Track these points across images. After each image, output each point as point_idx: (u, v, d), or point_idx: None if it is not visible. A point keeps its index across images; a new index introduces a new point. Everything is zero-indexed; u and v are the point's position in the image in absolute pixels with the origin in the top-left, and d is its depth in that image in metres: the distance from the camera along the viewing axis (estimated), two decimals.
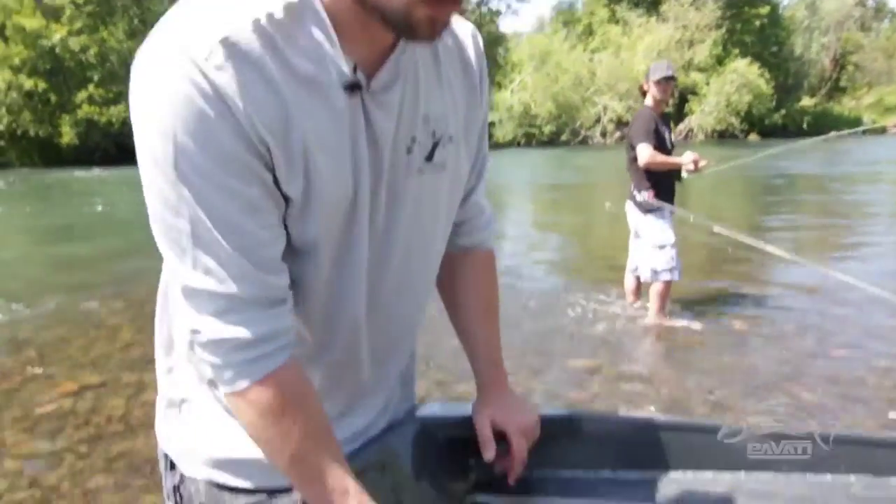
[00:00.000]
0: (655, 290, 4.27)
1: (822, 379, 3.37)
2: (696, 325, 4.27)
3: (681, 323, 4.31)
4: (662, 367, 3.71)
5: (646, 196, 4.15)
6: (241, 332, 0.67)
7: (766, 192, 12.54)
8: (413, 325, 0.95)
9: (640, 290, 4.58)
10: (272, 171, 0.66)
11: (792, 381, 3.35)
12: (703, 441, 1.09)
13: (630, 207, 4.35)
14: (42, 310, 5.03)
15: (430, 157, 0.78)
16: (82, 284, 5.82)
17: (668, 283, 4.24)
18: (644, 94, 4.28)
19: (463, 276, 1.02)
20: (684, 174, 4.22)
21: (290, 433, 0.71)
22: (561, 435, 1.13)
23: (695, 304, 4.67)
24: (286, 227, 0.70)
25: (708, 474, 1.08)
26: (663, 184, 4.18)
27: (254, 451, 0.83)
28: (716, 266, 5.98)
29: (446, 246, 0.94)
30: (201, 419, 0.85)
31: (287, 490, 0.82)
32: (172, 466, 0.88)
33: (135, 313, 4.81)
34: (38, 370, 3.76)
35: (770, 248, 2.94)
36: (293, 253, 0.73)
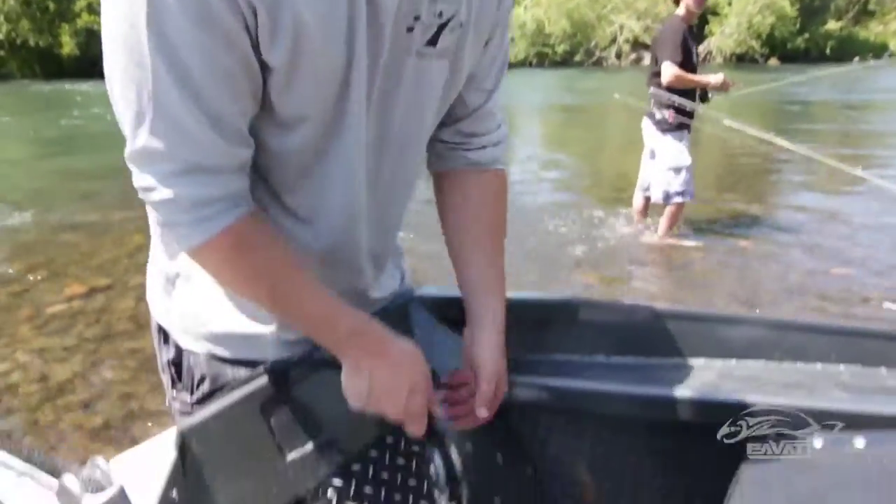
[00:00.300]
0: (667, 210, 4.24)
1: (819, 297, 3.39)
2: (702, 244, 4.26)
3: (688, 243, 4.30)
4: (665, 284, 3.74)
5: (666, 115, 4.04)
6: (196, 192, 0.65)
7: (785, 119, 12.23)
8: (401, 219, 0.93)
9: (648, 209, 4.55)
10: (255, 35, 0.63)
11: (792, 299, 3.37)
12: (695, 329, 1.10)
13: (647, 125, 4.24)
14: (48, 217, 5.06)
15: (433, 41, 0.74)
16: (87, 193, 5.84)
17: (680, 205, 4.21)
18: (678, 2, 4.09)
19: (471, 197, 0.93)
20: (710, 94, 4.09)
21: (257, 278, 0.71)
22: (556, 320, 1.14)
23: (702, 224, 4.65)
24: (271, 99, 0.68)
25: (699, 361, 1.10)
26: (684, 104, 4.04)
27: (251, 327, 0.84)
28: (726, 186, 5.92)
29: (454, 162, 0.91)
30: (196, 294, 0.85)
31: (289, 362, 0.83)
32: (166, 340, 0.88)
33: (141, 221, 4.79)
34: (47, 273, 3.82)
35: (780, 141, 2.89)
36: (280, 125, 0.71)
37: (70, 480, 0.50)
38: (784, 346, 1.07)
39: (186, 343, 0.87)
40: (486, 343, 0.91)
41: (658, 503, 1.11)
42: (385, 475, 0.89)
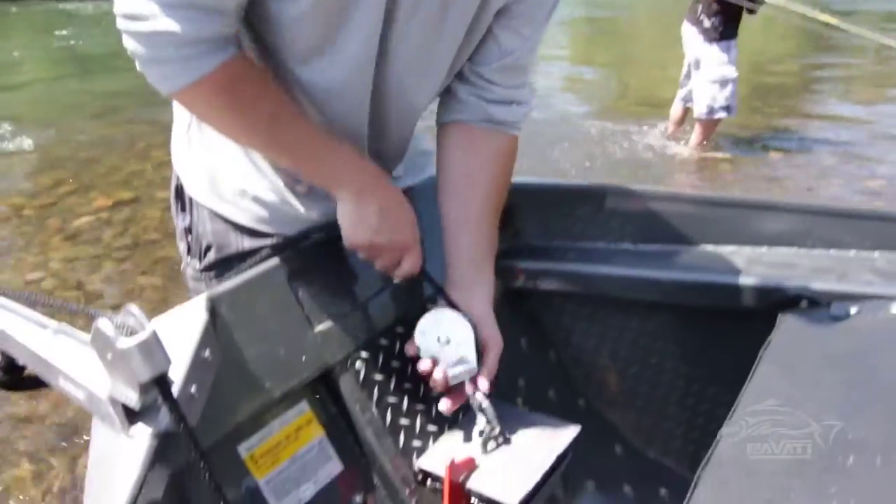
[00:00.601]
0: (704, 124, 4.10)
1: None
2: (733, 156, 4.15)
3: (719, 154, 4.19)
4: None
5: (715, 22, 3.83)
6: (191, 28, 0.62)
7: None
8: (403, 144, 0.92)
9: (685, 120, 4.40)
10: None
11: None
12: (725, 215, 1.07)
13: (692, 34, 4.02)
14: (70, 134, 5.06)
15: None
16: (107, 110, 5.80)
17: (718, 120, 4.07)
18: None
19: (479, 155, 0.87)
20: (755, 7, 3.84)
21: (252, 115, 0.71)
22: (582, 207, 1.12)
23: (734, 136, 4.50)
24: None
25: (729, 248, 1.08)
26: (731, 12, 3.83)
27: (253, 186, 0.84)
28: (759, 96, 5.70)
29: (469, 114, 0.86)
30: (206, 143, 0.86)
31: (314, 237, 0.83)
32: (183, 208, 0.90)
33: (164, 136, 4.79)
34: (73, 187, 3.86)
35: (824, 17, 2.75)
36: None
37: (104, 324, 0.51)
38: (817, 232, 1.04)
39: (200, 197, 0.88)
40: (487, 319, 0.85)
41: (681, 389, 1.12)
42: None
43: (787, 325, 0.78)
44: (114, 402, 0.56)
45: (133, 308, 0.52)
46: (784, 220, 1.06)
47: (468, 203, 0.87)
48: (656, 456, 1.16)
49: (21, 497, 1.60)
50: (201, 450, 0.55)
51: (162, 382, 0.52)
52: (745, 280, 0.98)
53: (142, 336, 0.51)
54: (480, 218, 0.88)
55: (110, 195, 3.69)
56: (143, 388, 0.53)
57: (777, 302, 0.85)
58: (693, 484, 0.50)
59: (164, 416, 0.57)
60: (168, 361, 0.53)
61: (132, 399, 0.54)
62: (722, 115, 4.04)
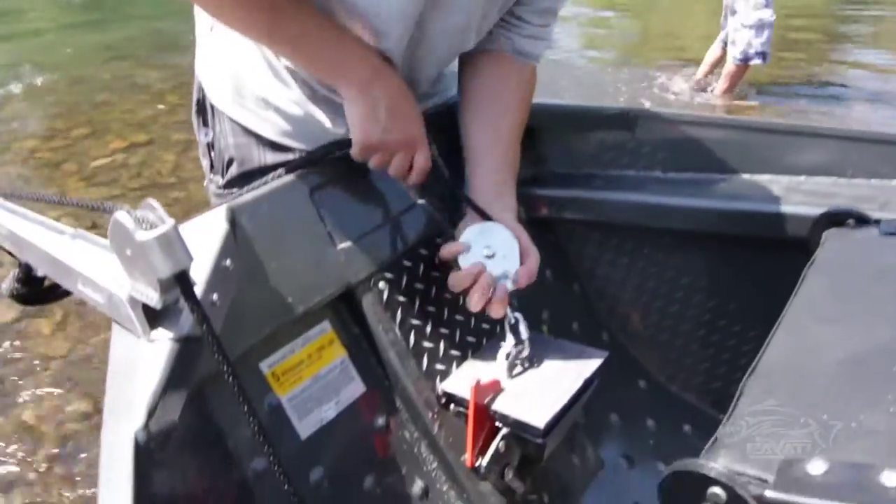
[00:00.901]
0: (732, 69, 3.97)
1: None
2: (759, 104, 4.03)
3: (746, 103, 4.06)
4: None
5: None
6: None
7: None
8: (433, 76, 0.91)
9: (720, 63, 4.26)
10: None
11: None
12: (761, 142, 1.02)
13: None
14: (85, 78, 5.01)
15: None
16: (121, 54, 5.73)
17: (748, 66, 3.93)
18: None
19: (509, 81, 0.90)
20: None
21: (252, 7, 0.68)
22: (611, 132, 1.07)
23: (762, 83, 4.36)
24: None
25: (765, 176, 1.03)
26: None
27: (276, 96, 0.81)
28: (787, 44, 5.51)
29: (492, 44, 0.87)
30: (228, 48, 0.83)
31: (316, 154, 0.80)
32: (205, 122, 0.88)
33: (177, 80, 4.76)
34: (88, 130, 3.84)
35: None
36: None
37: (123, 217, 0.49)
38: (857, 161, 0.99)
39: (223, 104, 0.86)
40: (523, 234, 0.84)
41: (707, 324, 1.09)
42: (436, 274, 0.88)
43: (834, 242, 0.75)
44: (134, 302, 0.54)
45: (153, 202, 0.50)
46: (823, 147, 1.01)
47: (498, 124, 0.88)
48: (679, 391, 1.14)
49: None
50: (226, 354, 0.53)
51: (183, 280, 0.50)
52: (783, 207, 0.94)
53: (162, 229, 0.48)
54: (510, 139, 0.89)
55: (126, 137, 3.67)
56: (164, 286, 0.50)
57: (819, 225, 0.81)
58: (738, 392, 0.48)
59: (187, 319, 0.56)
60: (190, 258, 0.50)
61: (153, 298, 0.51)
62: (757, 61, 3.91)
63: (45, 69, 5.28)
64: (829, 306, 0.59)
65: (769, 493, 0.39)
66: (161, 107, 4.18)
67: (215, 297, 0.61)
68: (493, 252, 0.79)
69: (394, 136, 0.75)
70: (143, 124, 3.90)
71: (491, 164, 0.87)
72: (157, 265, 0.49)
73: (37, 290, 0.75)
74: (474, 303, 0.76)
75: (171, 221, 0.49)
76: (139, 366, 0.56)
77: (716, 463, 0.42)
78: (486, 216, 0.82)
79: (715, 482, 0.41)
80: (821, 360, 0.51)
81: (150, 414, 0.52)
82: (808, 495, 0.38)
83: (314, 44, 0.72)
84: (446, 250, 0.80)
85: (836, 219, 0.78)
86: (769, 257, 0.99)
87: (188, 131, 3.63)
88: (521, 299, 0.84)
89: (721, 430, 0.45)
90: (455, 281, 0.78)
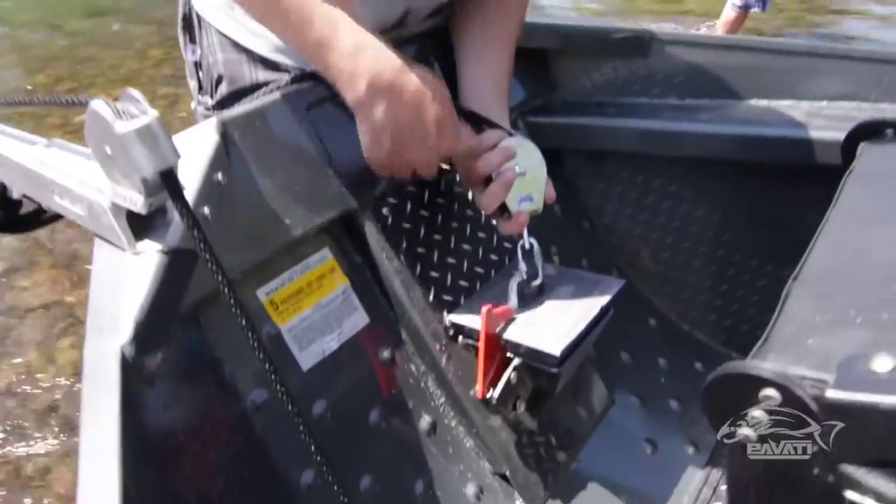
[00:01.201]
0: (731, 17, 3.86)
1: None
2: None
3: None
4: None
5: None
6: None
7: None
8: None
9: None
10: None
11: None
12: (780, 65, 0.97)
13: None
14: (68, 33, 4.87)
15: None
16: (104, 10, 5.56)
17: (746, 13, 3.83)
18: None
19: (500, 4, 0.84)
20: None
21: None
22: (623, 57, 1.01)
23: (761, 32, 4.27)
24: None
25: (785, 102, 0.98)
26: None
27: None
28: None
29: None
30: None
31: (312, 72, 0.74)
32: (192, 39, 0.82)
33: (161, 35, 4.63)
34: (72, 84, 3.73)
35: None
36: None
37: (100, 106, 0.43)
38: (883, 84, 0.94)
39: (211, 15, 0.80)
40: None
41: (720, 260, 1.05)
42: (442, 200, 0.83)
43: (872, 152, 0.70)
44: (117, 210, 0.48)
45: (133, 91, 0.44)
46: (846, 70, 0.95)
47: (501, 27, 0.83)
48: (691, 330, 1.11)
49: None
50: (221, 265, 0.48)
51: (170, 179, 0.44)
52: (805, 133, 0.89)
53: (144, 119, 0.43)
54: (508, 40, 0.84)
55: (110, 92, 3.55)
56: (150, 187, 0.45)
57: (854, 137, 0.76)
58: (784, 295, 0.44)
59: (177, 229, 0.50)
60: (177, 154, 0.45)
61: (137, 202, 0.46)
62: (756, 8, 3.81)
63: (27, 24, 5.13)
64: (872, 210, 0.55)
65: (830, 393, 0.35)
66: (145, 61, 4.06)
67: (206, 210, 0.56)
68: (524, 170, 0.74)
69: (401, 160, 0.69)
70: (129, 79, 3.79)
71: (485, 72, 0.81)
72: (141, 162, 0.43)
73: (13, 215, 0.69)
74: (492, 193, 0.72)
75: (154, 112, 0.44)
76: (125, 281, 0.51)
77: (768, 363, 0.38)
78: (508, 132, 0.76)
79: (768, 383, 0.37)
80: (870, 261, 0.46)
81: (138, 329, 0.48)
82: (876, 392, 0.34)
83: (309, 13, 0.64)
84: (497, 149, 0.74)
85: (873, 129, 0.73)
86: (788, 187, 0.95)
87: (175, 85, 3.54)
88: (529, 234, 0.79)
89: (770, 332, 0.41)
90: (484, 162, 0.72)
